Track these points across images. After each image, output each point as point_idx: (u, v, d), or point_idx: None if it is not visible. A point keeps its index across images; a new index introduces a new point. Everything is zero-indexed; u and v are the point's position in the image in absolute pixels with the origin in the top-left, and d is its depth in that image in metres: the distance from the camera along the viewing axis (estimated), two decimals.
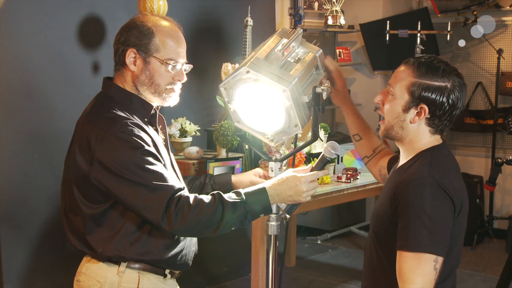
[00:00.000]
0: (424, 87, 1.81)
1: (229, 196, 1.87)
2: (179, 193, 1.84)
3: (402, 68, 1.88)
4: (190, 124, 3.86)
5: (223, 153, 3.73)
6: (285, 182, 1.90)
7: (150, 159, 1.85)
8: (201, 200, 1.84)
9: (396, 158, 2.08)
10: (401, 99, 1.85)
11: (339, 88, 2.17)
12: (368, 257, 1.95)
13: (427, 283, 1.69)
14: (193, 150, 3.67)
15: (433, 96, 1.81)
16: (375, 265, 1.91)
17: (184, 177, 2.21)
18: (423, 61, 1.84)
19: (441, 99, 1.81)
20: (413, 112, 1.84)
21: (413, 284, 1.69)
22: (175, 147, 3.81)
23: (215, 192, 1.89)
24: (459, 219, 1.81)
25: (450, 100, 1.81)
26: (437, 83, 1.81)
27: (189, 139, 3.85)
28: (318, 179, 1.97)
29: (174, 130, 3.79)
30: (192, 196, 1.84)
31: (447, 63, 1.86)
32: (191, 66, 2.03)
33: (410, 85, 1.83)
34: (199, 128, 3.90)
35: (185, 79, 2.00)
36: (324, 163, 1.96)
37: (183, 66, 1.99)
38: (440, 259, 1.71)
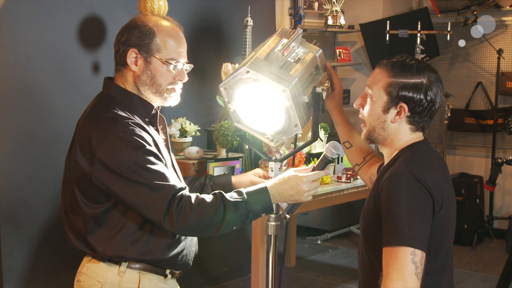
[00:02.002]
0: (401, 86, 1.83)
1: (231, 196, 1.87)
2: (180, 193, 1.84)
3: (377, 71, 1.90)
4: (190, 124, 3.86)
5: (223, 153, 3.73)
6: (287, 182, 1.90)
7: (152, 158, 1.85)
8: (203, 199, 1.85)
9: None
10: (380, 100, 1.87)
11: (336, 93, 2.18)
12: (361, 258, 1.96)
13: (406, 278, 1.66)
14: (193, 150, 3.67)
15: (411, 94, 1.83)
16: (366, 266, 1.91)
17: (184, 178, 2.21)
18: (395, 61, 1.87)
19: (419, 96, 1.83)
20: (393, 112, 1.86)
21: (390, 279, 1.67)
22: (175, 147, 3.81)
23: (216, 191, 1.89)
24: (443, 214, 1.79)
25: (428, 96, 1.83)
26: (412, 81, 1.83)
27: (189, 139, 3.85)
28: (318, 179, 1.97)
29: (174, 130, 3.79)
30: (193, 196, 1.85)
31: (419, 60, 1.89)
32: (192, 65, 2.03)
33: (387, 86, 1.85)
34: (199, 128, 3.91)
35: (186, 78, 2.01)
36: (325, 163, 1.97)
37: (184, 65, 1.99)
38: (419, 252, 1.68)
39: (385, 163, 1.95)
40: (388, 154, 1.94)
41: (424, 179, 1.76)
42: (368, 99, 1.90)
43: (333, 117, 2.25)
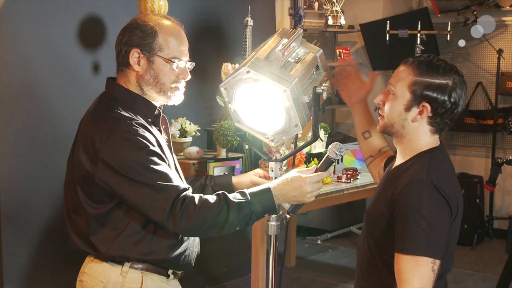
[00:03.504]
0: (426, 85, 1.81)
1: (234, 196, 1.87)
2: (184, 193, 1.84)
3: (402, 68, 1.89)
4: (190, 124, 3.86)
5: (223, 153, 3.73)
6: (290, 183, 1.89)
7: (155, 159, 1.85)
8: (207, 200, 1.84)
9: (392, 158, 2.08)
10: (402, 98, 1.85)
11: (365, 92, 2.22)
12: (361, 255, 1.96)
13: (425, 285, 1.70)
14: (193, 150, 3.67)
15: (435, 94, 1.81)
16: (369, 264, 1.92)
17: (185, 178, 2.21)
18: (423, 60, 1.85)
19: (443, 97, 1.81)
20: (415, 111, 1.85)
21: (410, 286, 1.70)
22: (175, 147, 3.81)
23: (220, 192, 1.88)
24: (453, 224, 1.82)
25: (451, 98, 1.81)
26: (438, 81, 1.81)
27: (189, 139, 3.85)
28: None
29: (174, 130, 3.79)
30: (197, 196, 1.84)
31: (446, 61, 1.86)
32: (194, 63, 2.03)
33: (412, 84, 1.83)
34: (199, 128, 3.91)
35: (189, 77, 2.01)
36: (328, 164, 1.96)
37: (186, 64, 1.99)
38: (438, 262, 1.73)
39: (398, 161, 1.94)
40: (403, 153, 1.92)
41: (443, 189, 1.77)
42: (391, 96, 1.89)
43: (352, 106, 2.24)
